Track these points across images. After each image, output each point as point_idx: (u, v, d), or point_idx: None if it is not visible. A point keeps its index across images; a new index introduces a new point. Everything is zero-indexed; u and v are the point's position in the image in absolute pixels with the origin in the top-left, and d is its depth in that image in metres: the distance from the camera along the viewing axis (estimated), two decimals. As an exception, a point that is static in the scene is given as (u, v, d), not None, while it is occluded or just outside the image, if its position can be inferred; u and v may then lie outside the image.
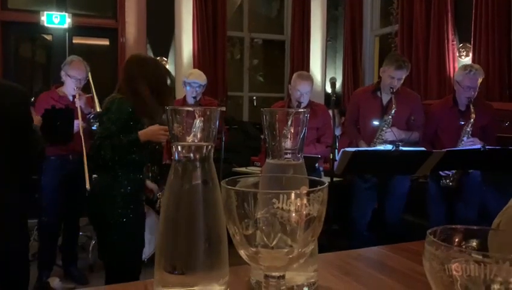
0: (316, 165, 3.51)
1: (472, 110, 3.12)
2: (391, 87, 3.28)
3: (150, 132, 2.24)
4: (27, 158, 1.97)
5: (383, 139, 3.29)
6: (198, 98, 3.74)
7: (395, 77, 3.28)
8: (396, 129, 3.28)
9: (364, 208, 3.48)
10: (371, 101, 3.47)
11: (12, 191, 1.89)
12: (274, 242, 0.46)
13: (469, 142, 3.14)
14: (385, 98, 3.41)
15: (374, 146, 3.30)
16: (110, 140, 2.19)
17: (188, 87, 3.75)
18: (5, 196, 1.85)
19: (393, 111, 3.28)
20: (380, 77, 3.55)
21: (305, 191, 0.46)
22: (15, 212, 1.88)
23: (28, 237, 2.06)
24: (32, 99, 3.45)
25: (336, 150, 3.09)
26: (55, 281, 3.26)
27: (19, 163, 1.91)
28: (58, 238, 3.54)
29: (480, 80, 3.19)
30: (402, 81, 3.36)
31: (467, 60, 4.39)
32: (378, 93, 3.46)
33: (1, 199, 1.83)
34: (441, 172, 3.20)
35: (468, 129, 3.16)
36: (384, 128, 3.30)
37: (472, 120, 3.13)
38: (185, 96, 3.91)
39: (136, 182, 2.30)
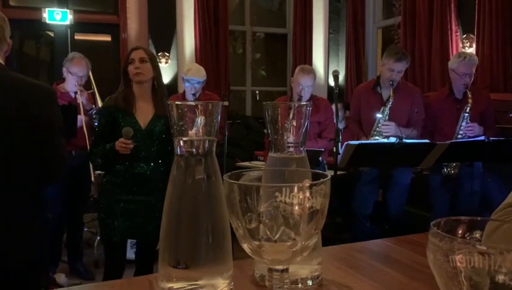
0: (320, 158, 3.50)
1: (469, 95, 3.15)
2: (391, 81, 3.26)
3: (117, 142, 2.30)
4: (45, 167, 1.81)
5: (380, 132, 3.28)
6: (197, 95, 3.63)
7: (395, 69, 3.25)
8: (395, 125, 3.26)
9: (366, 200, 3.49)
10: (371, 97, 3.45)
11: (20, 201, 1.74)
12: (277, 235, 0.46)
13: (468, 128, 3.15)
14: (385, 94, 3.39)
15: (372, 138, 3.29)
16: (94, 149, 2.40)
17: (186, 84, 3.64)
18: (10, 205, 1.71)
19: (390, 103, 3.27)
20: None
21: (307, 184, 0.46)
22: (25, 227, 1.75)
23: (44, 249, 1.95)
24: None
25: (339, 144, 3.09)
26: (61, 277, 3.28)
27: (33, 171, 1.77)
28: (63, 235, 3.56)
29: (474, 67, 3.24)
30: (402, 74, 3.35)
31: (471, 50, 4.36)
32: (378, 89, 3.44)
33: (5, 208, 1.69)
34: (441, 162, 3.21)
35: (466, 115, 3.18)
36: (381, 121, 3.29)
37: (469, 105, 3.15)
38: (184, 91, 3.82)
39: (127, 173, 2.36)
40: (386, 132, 3.24)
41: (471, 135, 3.12)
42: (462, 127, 3.18)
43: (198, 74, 3.63)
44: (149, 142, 2.38)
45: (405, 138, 2.84)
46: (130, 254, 2.98)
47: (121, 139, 2.27)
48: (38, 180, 1.81)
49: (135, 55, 2.41)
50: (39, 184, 1.85)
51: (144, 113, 2.41)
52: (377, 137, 3.27)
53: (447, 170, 3.26)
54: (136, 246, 2.70)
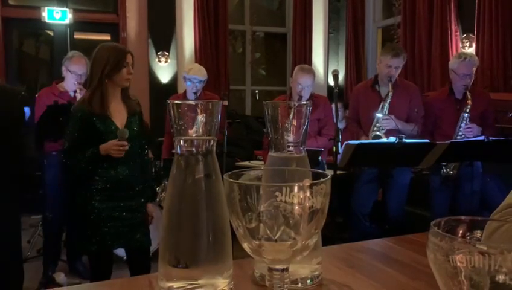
0: (319, 158, 3.50)
1: (468, 96, 3.16)
2: (389, 77, 3.29)
3: (106, 146, 2.22)
4: (13, 165, 1.79)
5: (380, 127, 3.29)
6: (198, 94, 3.68)
7: (392, 65, 3.29)
8: (393, 118, 3.28)
9: (365, 200, 3.49)
10: (370, 95, 3.47)
11: None
12: (277, 235, 0.46)
13: (467, 129, 3.16)
14: (383, 91, 3.41)
15: (372, 135, 3.30)
16: (71, 157, 2.27)
17: (188, 83, 3.69)
18: None
19: (389, 99, 3.29)
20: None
21: (307, 184, 0.46)
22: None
23: (19, 245, 1.91)
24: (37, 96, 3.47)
25: (339, 143, 3.09)
26: (60, 276, 3.28)
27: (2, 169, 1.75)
28: (62, 234, 3.56)
29: (475, 68, 3.25)
30: (399, 71, 3.37)
31: (471, 50, 4.36)
32: (376, 87, 3.47)
33: None
34: (441, 162, 3.22)
35: (466, 115, 3.18)
36: (381, 115, 3.30)
37: (469, 106, 3.16)
38: (185, 92, 3.87)
39: (108, 178, 2.28)
40: (386, 125, 3.26)
41: (470, 136, 3.13)
42: (461, 128, 3.19)
43: (200, 73, 3.69)
44: (130, 143, 2.30)
45: (405, 138, 2.84)
46: (124, 253, 2.93)
47: (115, 142, 2.21)
48: (13, 181, 1.79)
49: (130, 59, 2.33)
50: (16, 186, 1.81)
51: (119, 114, 2.32)
52: (378, 133, 3.28)
53: (446, 170, 3.27)
54: (126, 254, 2.57)
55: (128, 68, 2.31)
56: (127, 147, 2.22)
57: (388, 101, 3.30)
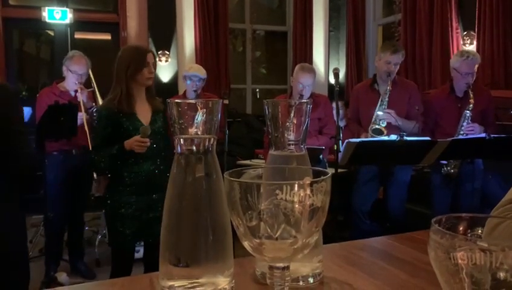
0: (321, 156, 3.50)
1: (471, 95, 3.16)
2: (388, 73, 3.30)
3: (130, 141, 2.30)
4: (7, 164, 1.81)
5: (381, 120, 3.29)
6: (198, 92, 3.73)
7: (391, 61, 3.31)
8: (394, 113, 3.28)
9: (365, 198, 3.49)
10: (369, 95, 3.48)
11: None
12: (278, 233, 0.46)
13: (469, 128, 3.15)
14: (382, 90, 3.42)
15: (372, 128, 3.31)
16: (98, 154, 2.37)
17: (188, 81, 3.74)
18: None
19: (388, 94, 3.29)
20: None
21: (308, 182, 0.46)
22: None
23: (24, 245, 1.92)
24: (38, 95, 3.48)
25: (340, 141, 3.09)
26: (62, 276, 3.28)
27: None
28: (64, 234, 3.56)
29: (477, 66, 3.25)
30: (398, 68, 3.39)
31: (471, 48, 4.35)
32: (375, 86, 3.47)
33: None
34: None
35: (468, 114, 3.18)
36: (381, 113, 3.30)
37: (471, 105, 3.15)
38: (184, 92, 3.93)
39: (134, 174, 2.36)
40: (386, 118, 3.27)
41: (472, 135, 3.13)
42: (463, 127, 3.19)
43: (200, 71, 3.76)
44: (155, 140, 2.40)
45: (406, 135, 2.84)
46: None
47: (137, 138, 2.29)
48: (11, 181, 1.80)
49: (150, 59, 2.43)
50: (13, 185, 1.82)
51: (144, 112, 2.43)
52: (377, 126, 3.28)
53: (447, 168, 3.26)
54: (144, 246, 2.67)
55: (149, 68, 2.41)
56: (148, 144, 2.30)
57: (388, 94, 3.31)
